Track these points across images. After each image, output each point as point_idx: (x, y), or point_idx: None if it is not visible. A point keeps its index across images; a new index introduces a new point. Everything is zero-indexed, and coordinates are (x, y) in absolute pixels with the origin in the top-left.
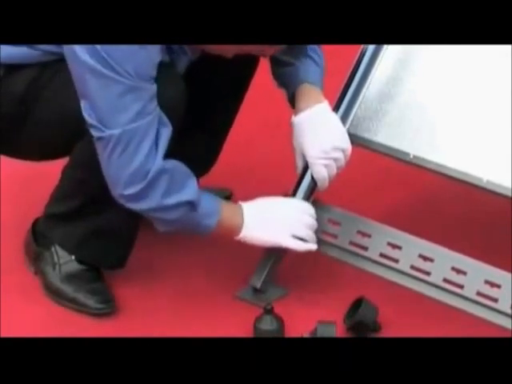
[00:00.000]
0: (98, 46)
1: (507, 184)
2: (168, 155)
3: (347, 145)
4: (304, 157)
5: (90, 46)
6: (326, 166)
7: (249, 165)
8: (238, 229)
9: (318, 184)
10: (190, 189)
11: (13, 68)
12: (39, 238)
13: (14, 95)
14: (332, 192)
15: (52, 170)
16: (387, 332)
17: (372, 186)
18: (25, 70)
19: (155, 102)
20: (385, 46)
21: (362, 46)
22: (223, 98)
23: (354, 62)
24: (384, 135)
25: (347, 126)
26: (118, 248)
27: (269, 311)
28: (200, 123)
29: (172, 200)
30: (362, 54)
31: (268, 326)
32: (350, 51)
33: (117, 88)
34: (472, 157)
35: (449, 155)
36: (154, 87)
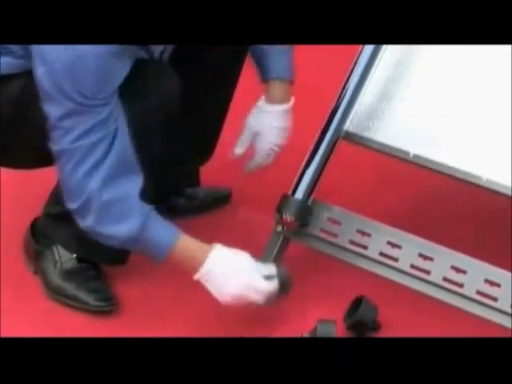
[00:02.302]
0: (58, 65)
1: (507, 183)
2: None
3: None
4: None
5: (48, 63)
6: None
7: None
8: (193, 271)
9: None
10: (124, 227)
11: (1, 79)
12: (39, 236)
13: (7, 103)
14: (332, 191)
15: (51, 170)
16: (387, 331)
17: (372, 185)
18: (14, 80)
19: (107, 124)
20: (384, 46)
21: (361, 46)
22: (213, 85)
23: (354, 61)
24: (384, 134)
25: (347, 124)
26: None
27: None
28: (193, 111)
29: (105, 230)
30: (362, 54)
31: None
32: (350, 51)
33: (59, 110)
34: (472, 155)
35: (449, 154)
36: (107, 109)
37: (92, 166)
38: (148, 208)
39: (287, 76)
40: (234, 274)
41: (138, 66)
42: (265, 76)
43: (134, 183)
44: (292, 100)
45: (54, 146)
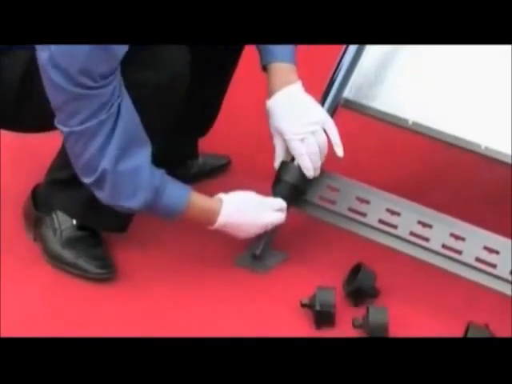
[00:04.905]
0: (59, 50)
1: (506, 150)
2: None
3: (324, 117)
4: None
5: (50, 48)
6: (302, 140)
7: (247, 132)
8: (208, 222)
9: (300, 162)
10: (140, 198)
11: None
12: (40, 203)
13: (14, 75)
14: (331, 159)
15: (51, 137)
16: (385, 298)
17: (370, 153)
18: (18, 52)
19: (111, 102)
20: None
21: None
22: (218, 58)
23: None
24: (383, 102)
25: (346, 92)
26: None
27: None
28: (198, 83)
29: (121, 202)
30: None
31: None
32: None
33: (63, 95)
34: (471, 123)
35: (447, 121)
36: (110, 88)
37: (102, 143)
38: (159, 173)
39: (293, 61)
40: (248, 220)
41: None
42: (269, 59)
43: (144, 153)
44: (299, 82)
45: (60, 127)
